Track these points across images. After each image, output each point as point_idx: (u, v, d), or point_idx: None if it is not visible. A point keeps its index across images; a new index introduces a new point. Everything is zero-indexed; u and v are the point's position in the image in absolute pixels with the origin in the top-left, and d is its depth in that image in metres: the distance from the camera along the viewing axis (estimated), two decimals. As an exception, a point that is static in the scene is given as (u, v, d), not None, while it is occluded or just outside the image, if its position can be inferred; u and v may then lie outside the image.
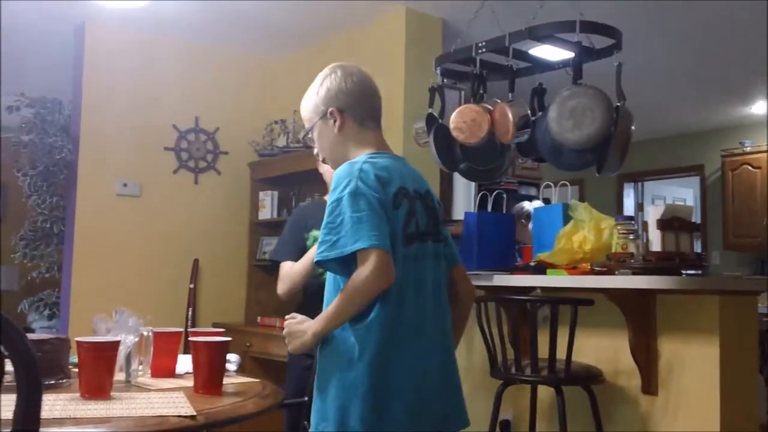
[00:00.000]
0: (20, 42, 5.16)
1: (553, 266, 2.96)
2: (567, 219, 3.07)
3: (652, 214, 2.73)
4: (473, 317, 2.84)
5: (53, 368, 1.89)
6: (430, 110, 3.60)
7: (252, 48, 5.40)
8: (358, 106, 1.95)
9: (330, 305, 1.77)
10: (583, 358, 2.85)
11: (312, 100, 1.98)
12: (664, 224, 2.68)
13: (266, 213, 5.20)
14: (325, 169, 2.84)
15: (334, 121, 1.94)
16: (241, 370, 2.31)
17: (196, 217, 5.22)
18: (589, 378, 2.76)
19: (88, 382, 1.76)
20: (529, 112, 3.24)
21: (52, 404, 1.64)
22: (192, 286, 5.10)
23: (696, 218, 6.53)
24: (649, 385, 2.84)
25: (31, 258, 4.99)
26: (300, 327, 1.81)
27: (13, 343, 1.15)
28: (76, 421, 1.53)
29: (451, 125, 3.32)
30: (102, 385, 1.76)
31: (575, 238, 2.94)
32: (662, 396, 2.82)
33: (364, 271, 1.69)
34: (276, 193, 5.19)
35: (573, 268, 2.90)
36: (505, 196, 3.78)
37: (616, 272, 2.73)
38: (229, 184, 5.40)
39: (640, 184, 8.66)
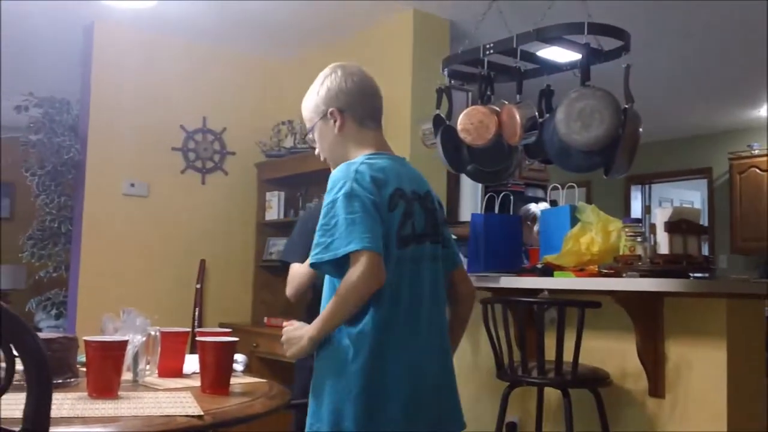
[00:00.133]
0: (29, 42, 5.18)
1: (560, 268, 2.95)
2: (574, 221, 3.06)
3: (660, 216, 2.72)
4: (480, 319, 2.84)
5: (61, 367, 1.89)
6: (437, 111, 3.59)
7: (259, 48, 5.41)
8: (358, 106, 1.94)
9: (324, 309, 1.78)
10: (590, 361, 2.85)
11: (312, 100, 1.99)
12: (671, 227, 2.67)
13: (273, 213, 5.21)
14: None
15: (335, 121, 1.94)
16: (248, 370, 2.31)
17: (203, 217, 5.23)
18: (596, 380, 2.75)
19: (96, 381, 1.76)
20: (536, 113, 3.23)
21: (60, 403, 1.64)
22: (198, 286, 5.12)
23: (703, 221, 6.53)
24: (657, 388, 2.83)
25: (39, 257, 5.01)
26: (297, 333, 1.82)
27: (24, 343, 1.15)
28: (84, 421, 1.53)
29: (459, 127, 3.32)
30: (110, 385, 1.77)
31: (583, 240, 2.93)
32: (669, 399, 2.81)
33: (354, 272, 1.70)
34: (283, 193, 5.20)
35: (580, 271, 2.90)
36: (512, 197, 3.78)
37: (624, 275, 2.72)
38: (236, 185, 5.41)
39: (647, 186, 8.64)
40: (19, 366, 1.17)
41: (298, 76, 5.38)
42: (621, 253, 2.78)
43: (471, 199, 4.86)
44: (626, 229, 2.79)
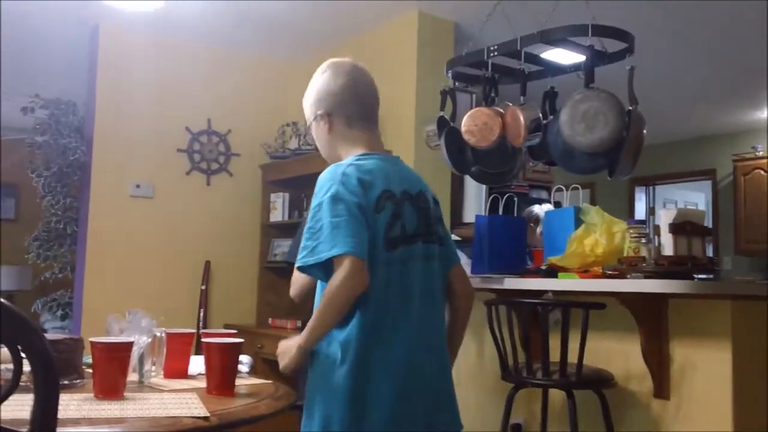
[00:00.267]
0: (35, 43, 5.20)
1: (564, 270, 2.95)
2: (578, 222, 3.06)
3: (665, 217, 2.72)
4: (484, 320, 2.84)
5: (67, 368, 1.90)
6: (441, 113, 3.59)
7: (263, 50, 5.42)
8: (346, 108, 1.94)
9: (312, 317, 1.78)
10: (595, 362, 2.85)
11: (306, 102, 2.01)
12: (676, 228, 2.67)
13: (278, 215, 5.22)
14: None
15: (324, 124, 1.95)
16: (254, 371, 2.32)
17: (208, 218, 5.25)
18: (601, 382, 2.75)
19: (102, 382, 1.77)
20: (540, 115, 3.23)
21: (66, 404, 1.65)
22: (204, 287, 5.13)
23: (707, 223, 6.52)
24: (661, 390, 2.83)
25: (45, 258, 5.02)
26: (288, 344, 1.84)
27: (32, 343, 1.16)
28: (91, 421, 1.53)
29: (463, 128, 3.32)
30: (116, 386, 1.77)
31: (587, 242, 2.93)
32: (674, 400, 2.81)
33: (337, 277, 1.70)
34: (287, 195, 5.21)
35: (585, 272, 2.90)
36: (516, 199, 3.78)
37: (628, 276, 2.72)
38: (241, 186, 5.42)
39: (651, 187, 8.63)
40: (25, 367, 1.18)
41: (303, 77, 5.32)
42: (625, 254, 2.79)
43: (475, 200, 4.87)
44: (630, 231, 2.79)
